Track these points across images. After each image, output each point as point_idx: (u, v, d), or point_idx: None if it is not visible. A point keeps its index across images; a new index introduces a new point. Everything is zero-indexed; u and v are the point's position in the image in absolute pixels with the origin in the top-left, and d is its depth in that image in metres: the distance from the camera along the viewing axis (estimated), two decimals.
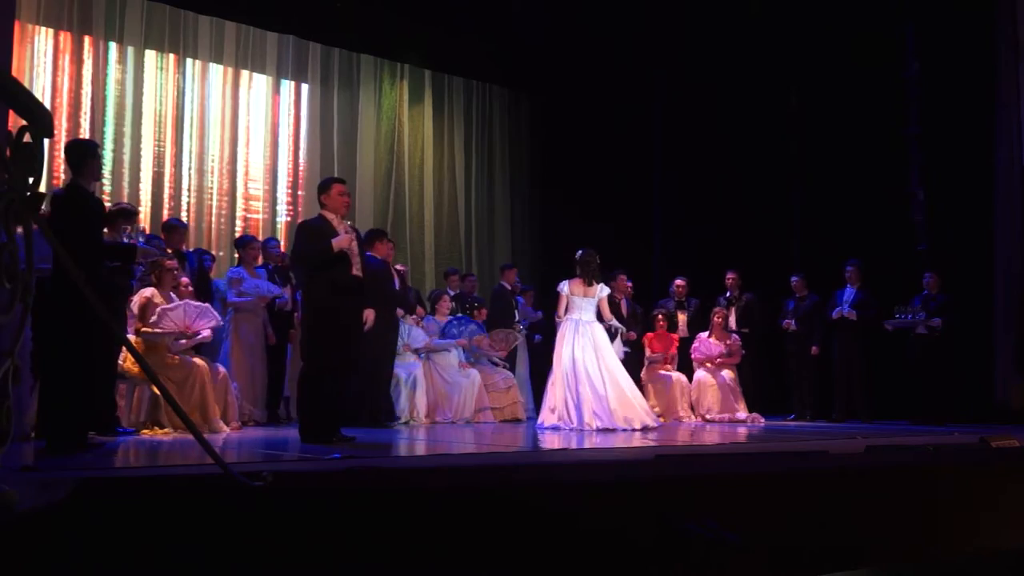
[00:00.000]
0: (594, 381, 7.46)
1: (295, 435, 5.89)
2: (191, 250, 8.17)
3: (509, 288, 9.80)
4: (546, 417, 7.63)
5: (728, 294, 10.00)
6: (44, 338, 5.02)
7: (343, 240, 5.74)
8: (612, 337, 8.18)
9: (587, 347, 7.57)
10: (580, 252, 7.92)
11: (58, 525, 1.92)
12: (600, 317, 7.89)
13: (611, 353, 7.74)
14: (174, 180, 9.87)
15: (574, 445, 5.91)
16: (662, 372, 9.67)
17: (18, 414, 5.13)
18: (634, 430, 7.22)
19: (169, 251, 7.19)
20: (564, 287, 7.84)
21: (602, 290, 7.86)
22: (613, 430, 7.20)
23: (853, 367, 9.38)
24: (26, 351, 5.13)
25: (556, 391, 7.59)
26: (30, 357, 5.18)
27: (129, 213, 6.34)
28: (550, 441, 6.34)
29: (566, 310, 7.82)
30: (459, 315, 9.22)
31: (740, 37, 10.77)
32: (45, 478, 3.28)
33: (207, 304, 6.78)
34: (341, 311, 5.74)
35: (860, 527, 3.13)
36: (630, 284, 9.71)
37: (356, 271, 5.85)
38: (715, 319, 9.68)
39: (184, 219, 9.81)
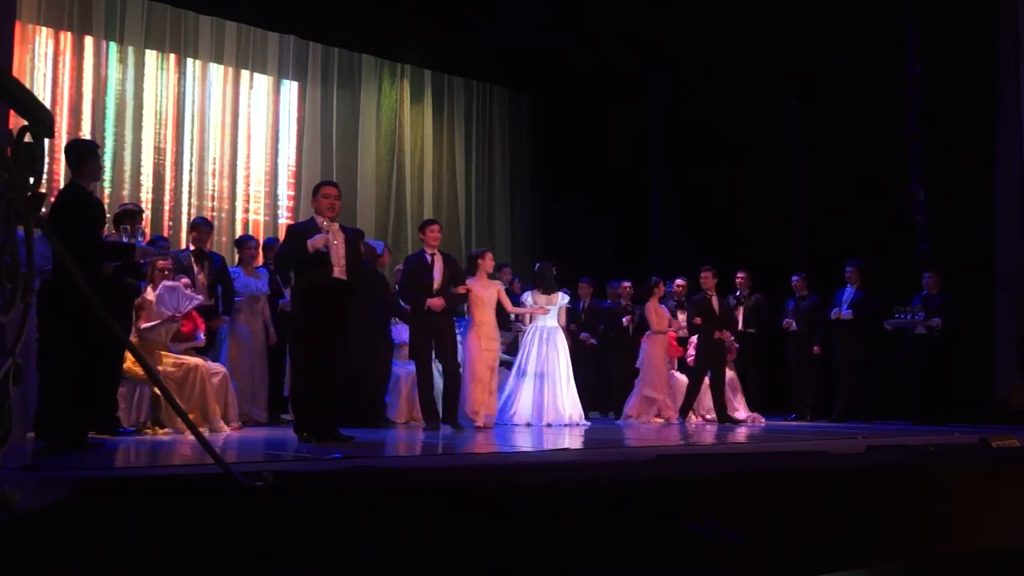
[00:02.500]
0: (557, 382, 8.33)
1: (295, 435, 5.88)
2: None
3: (504, 288, 9.76)
4: (514, 412, 8.33)
5: (738, 293, 10.00)
6: (46, 337, 5.02)
7: (317, 240, 5.72)
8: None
9: (550, 351, 8.42)
10: (538, 265, 8.83)
11: (58, 525, 1.92)
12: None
13: (567, 357, 8.54)
14: (174, 180, 9.87)
15: (574, 445, 5.91)
16: None
17: (23, 413, 5.14)
18: (577, 424, 8.24)
19: (193, 248, 7.46)
20: (528, 297, 8.63)
21: (562, 298, 8.62)
22: (567, 426, 8.14)
23: (853, 367, 9.38)
24: (32, 350, 5.13)
25: (519, 390, 8.40)
26: (36, 356, 5.18)
27: (135, 212, 6.35)
28: (549, 441, 6.34)
29: (530, 318, 8.66)
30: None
31: (740, 37, 10.77)
32: (45, 478, 3.28)
33: (188, 291, 6.75)
34: (321, 312, 5.72)
35: (860, 527, 3.13)
36: (713, 278, 9.48)
37: (338, 273, 5.80)
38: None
39: (184, 219, 9.82)
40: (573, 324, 9.92)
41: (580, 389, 8.89)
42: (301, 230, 5.90)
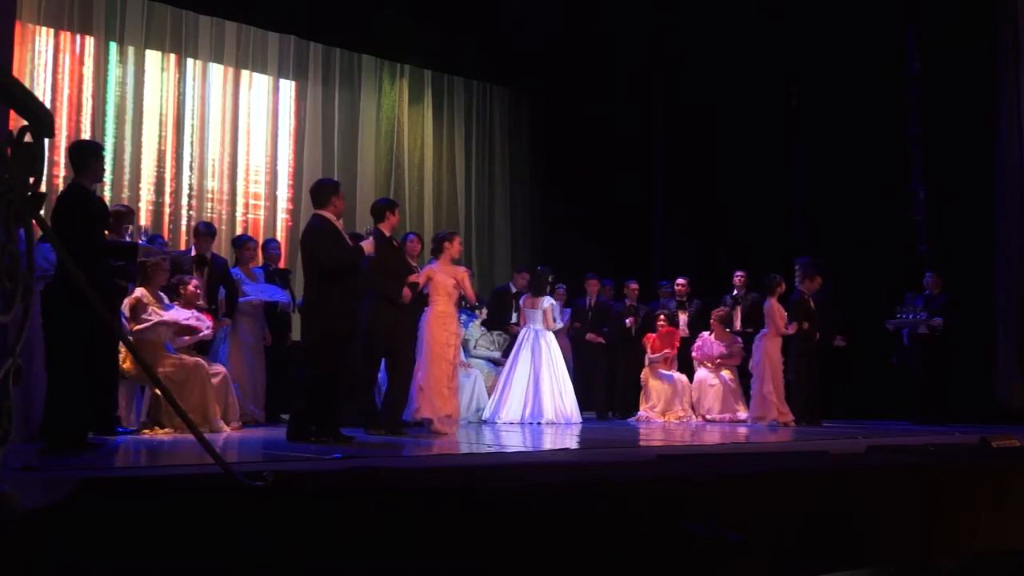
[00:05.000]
0: (548, 382, 8.58)
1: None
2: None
3: (515, 291, 9.76)
4: (501, 412, 8.52)
5: (735, 292, 9.98)
6: (48, 338, 5.02)
7: (370, 244, 5.92)
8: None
9: (539, 352, 8.69)
10: (538, 268, 9.29)
11: (59, 525, 1.92)
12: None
13: (559, 357, 8.84)
14: (175, 180, 9.86)
15: (574, 445, 5.91)
16: (662, 372, 9.67)
17: (27, 414, 5.14)
18: (571, 423, 8.49)
19: (194, 254, 7.42)
20: (524, 301, 9.03)
21: (543, 303, 8.86)
22: (558, 423, 8.42)
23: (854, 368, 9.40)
24: (38, 351, 5.13)
25: (514, 389, 8.60)
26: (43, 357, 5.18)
27: (127, 213, 6.38)
28: (550, 441, 6.34)
29: (523, 320, 9.00)
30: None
31: (740, 37, 10.77)
32: (46, 478, 3.28)
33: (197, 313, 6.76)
34: (353, 315, 5.89)
35: (860, 527, 3.13)
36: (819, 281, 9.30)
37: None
38: (713, 320, 9.67)
39: (184, 220, 9.81)
40: (578, 322, 9.90)
41: (580, 389, 8.97)
42: (334, 232, 5.91)
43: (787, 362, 8.89)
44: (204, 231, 7.80)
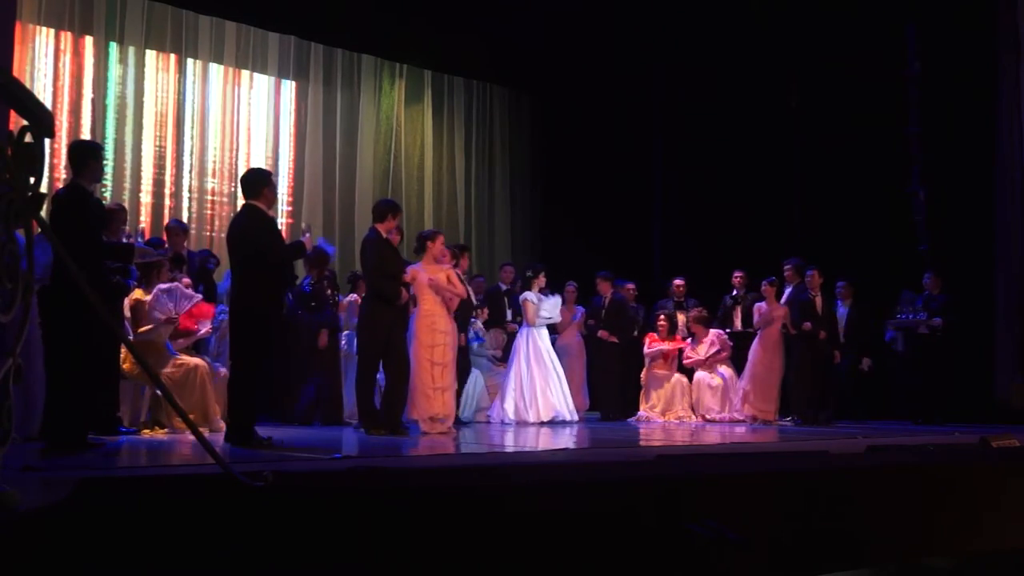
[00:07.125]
0: (537, 380, 8.50)
1: (296, 435, 5.88)
2: (195, 251, 8.17)
3: (505, 288, 9.76)
4: (498, 411, 8.55)
5: (735, 292, 9.97)
6: (47, 338, 5.02)
7: (309, 241, 5.96)
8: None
9: (523, 350, 8.63)
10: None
11: (59, 525, 1.92)
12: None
13: (547, 354, 8.73)
14: (175, 180, 9.87)
15: (573, 445, 5.91)
16: (662, 372, 9.67)
17: (29, 413, 5.14)
18: (566, 422, 8.46)
19: (171, 254, 7.26)
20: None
21: (522, 297, 8.85)
22: (553, 422, 8.39)
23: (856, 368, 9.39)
24: (37, 351, 5.13)
25: (506, 389, 8.58)
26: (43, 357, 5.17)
27: (119, 211, 6.38)
28: (550, 441, 6.34)
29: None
30: None
31: (741, 36, 10.76)
32: (46, 478, 3.28)
33: (188, 290, 6.72)
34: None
35: (860, 527, 3.13)
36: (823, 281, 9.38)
37: None
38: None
39: (185, 220, 9.83)
40: (592, 320, 9.86)
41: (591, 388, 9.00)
42: (275, 224, 5.97)
43: (788, 361, 8.98)
44: (176, 227, 7.73)
